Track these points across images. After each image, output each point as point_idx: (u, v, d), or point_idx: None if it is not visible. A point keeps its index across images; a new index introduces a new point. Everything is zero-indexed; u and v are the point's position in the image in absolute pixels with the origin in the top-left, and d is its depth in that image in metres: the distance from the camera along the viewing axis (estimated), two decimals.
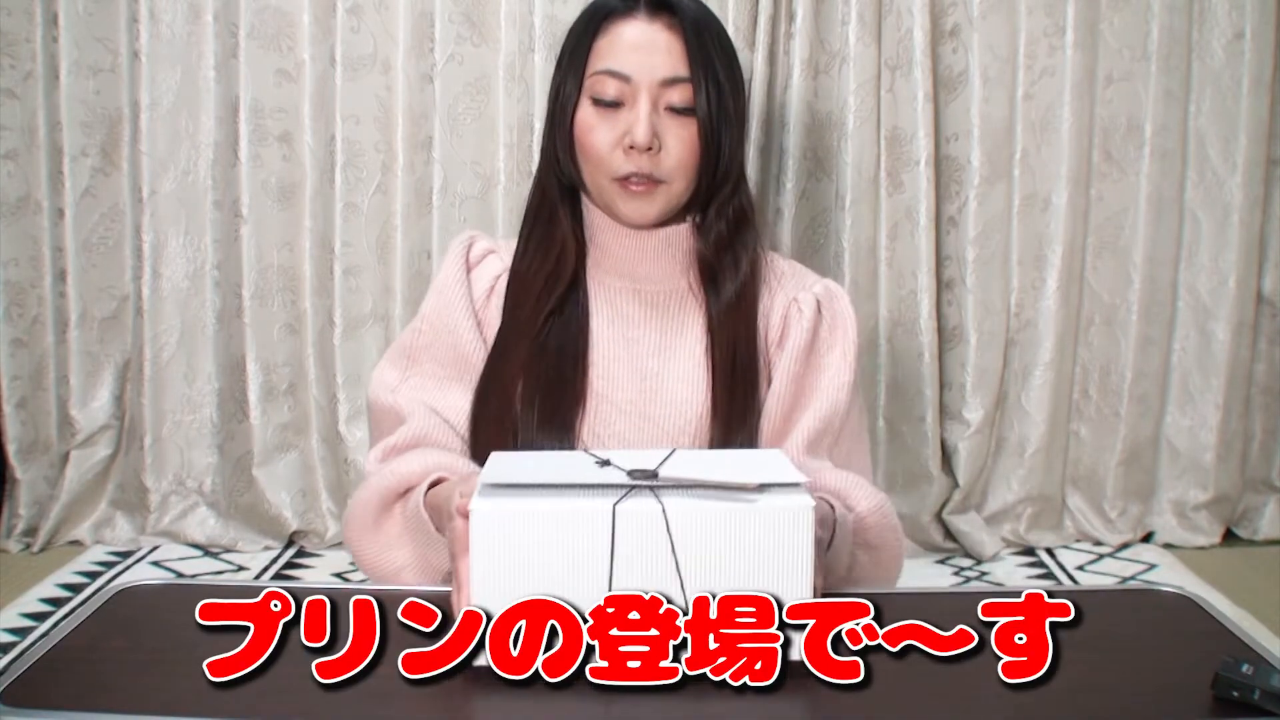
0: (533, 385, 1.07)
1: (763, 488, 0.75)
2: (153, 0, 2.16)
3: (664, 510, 0.72)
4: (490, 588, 0.72)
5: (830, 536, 0.96)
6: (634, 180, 1.08)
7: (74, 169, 2.21)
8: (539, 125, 1.10)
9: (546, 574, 0.72)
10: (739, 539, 0.73)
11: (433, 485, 1.00)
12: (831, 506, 0.99)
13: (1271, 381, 2.45)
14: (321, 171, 2.22)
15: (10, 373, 2.24)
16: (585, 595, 0.72)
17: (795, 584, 0.73)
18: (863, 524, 1.04)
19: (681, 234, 1.14)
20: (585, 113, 1.09)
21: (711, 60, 1.08)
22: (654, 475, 0.77)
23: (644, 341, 1.13)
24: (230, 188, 2.22)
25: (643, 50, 1.07)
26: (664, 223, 1.13)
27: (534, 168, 1.17)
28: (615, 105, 1.08)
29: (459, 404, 1.10)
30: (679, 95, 1.07)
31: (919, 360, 2.29)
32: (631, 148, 1.07)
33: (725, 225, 1.13)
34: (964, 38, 2.23)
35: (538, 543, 0.72)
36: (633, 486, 0.75)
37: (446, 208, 2.22)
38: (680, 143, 1.08)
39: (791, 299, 1.15)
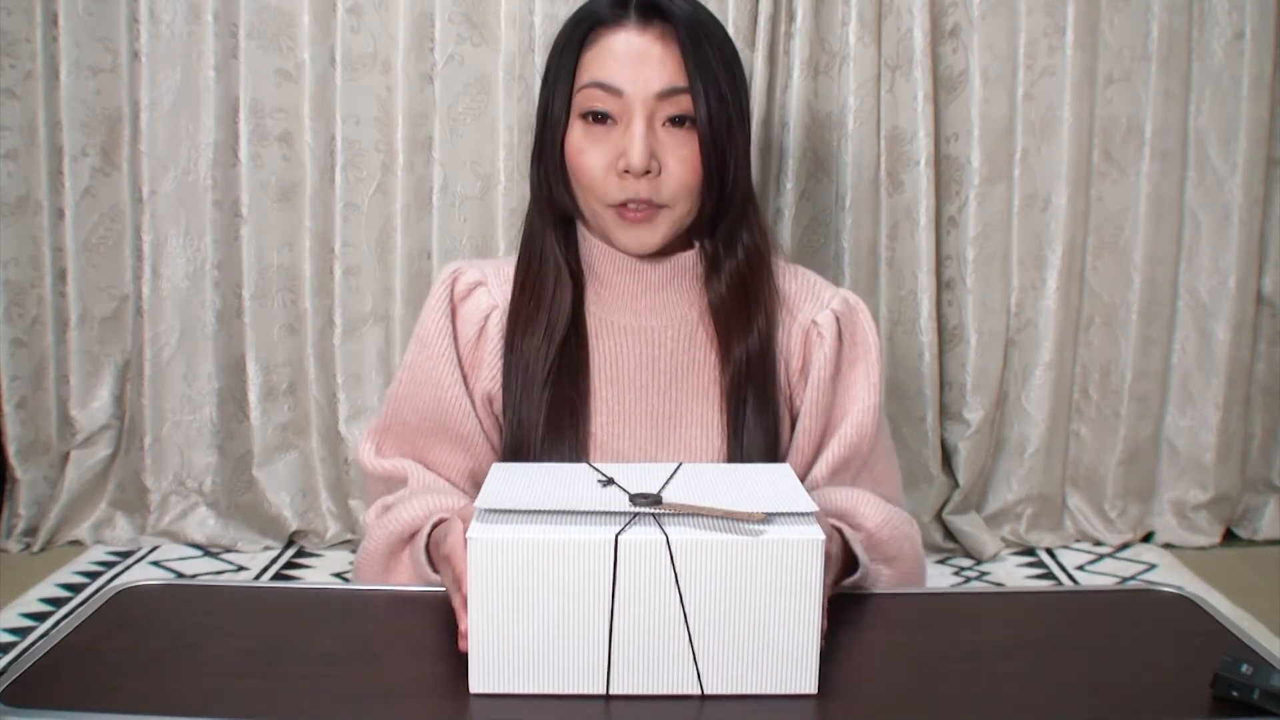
0: (533, 436, 1.02)
1: (771, 517, 0.72)
2: (153, 0, 2.16)
3: (668, 540, 0.70)
4: (489, 616, 0.70)
5: (841, 569, 0.93)
6: (631, 206, 1.00)
7: (74, 169, 2.21)
8: (535, 114, 1.09)
9: (545, 603, 0.70)
10: (745, 571, 0.70)
11: (435, 527, 0.96)
12: (840, 531, 0.95)
13: (1271, 381, 2.45)
14: (321, 171, 2.22)
15: (10, 373, 2.24)
16: (586, 626, 0.70)
17: (803, 617, 0.71)
18: (874, 539, 1.01)
19: (688, 263, 1.07)
20: (575, 133, 1.01)
21: (711, 68, 0.99)
22: (658, 500, 0.74)
23: (652, 385, 1.06)
24: (230, 188, 2.22)
25: (634, 61, 0.98)
26: (668, 250, 1.05)
27: (530, 154, 1.09)
28: (606, 120, 1.00)
29: (445, 459, 1.07)
30: (677, 107, 0.99)
31: (919, 360, 2.29)
32: (626, 172, 0.98)
33: (737, 266, 1.05)
34: (964, 38, 2.23)
35: (537, 571, 0.69)
36: (636, 514, 0.73)
37: (446, 208, 2.22)
38: (681, 163, 0.99)
39: (810, 322, 1.08)
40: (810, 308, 1.08)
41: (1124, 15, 2.25)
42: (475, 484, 1.07)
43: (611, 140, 1.00)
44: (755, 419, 1.04)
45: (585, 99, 1.00)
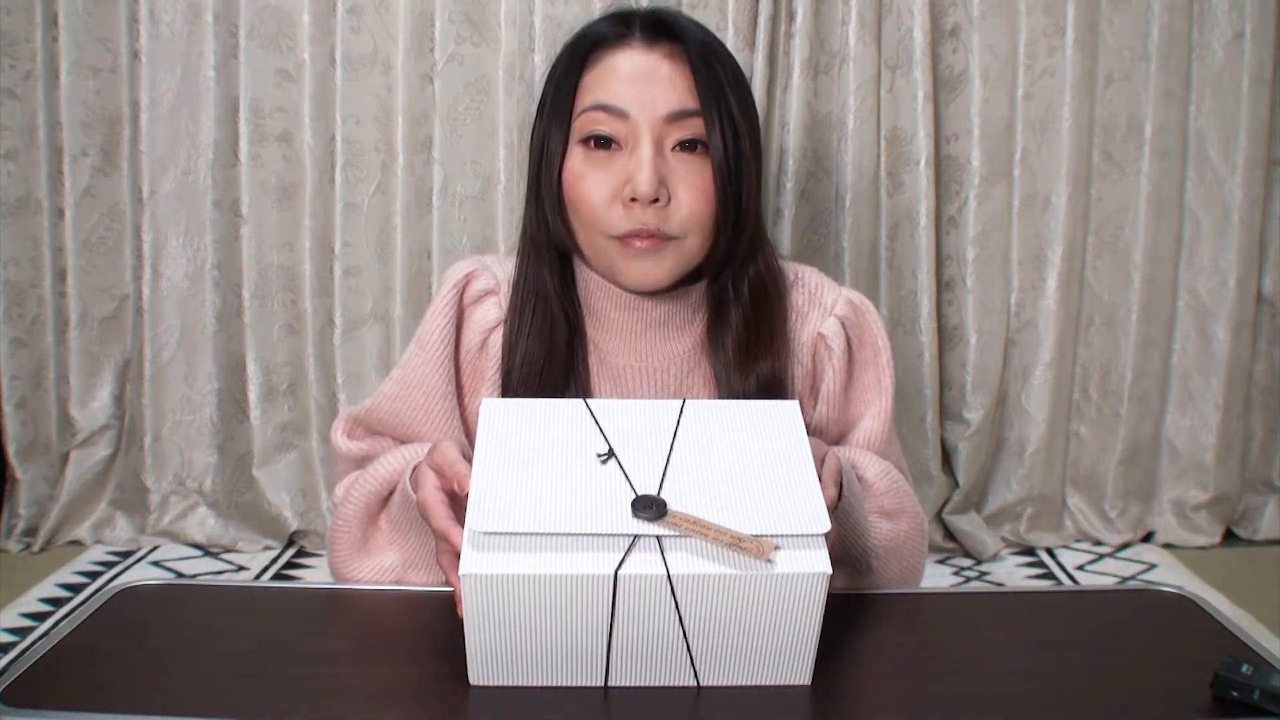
0: None
1: (778, 544, 0.70)
2: (153, 0, 2.16)
3: (669, 574, 0.68)
4: (485, 646, 0.70)
5: (839, 490, 0.89)
6: (638, 235, 0.92)
7: (74, 169, 2.21)
8: (530, 144, 1.03)
9: (542, 630, 0.69)
10: (748, 600, 0.69)
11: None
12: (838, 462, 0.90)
13: (1271, 381, 2.45)
14: (321, 171, 2.22)
15: (10, 373, 2.24)
16: (582, 650, 0.70)
17: (801, 637, 0.71)
18: (872, 490, 0.98)
19: (691, 298, 1.01)
20: (574, 160, 0.94)
21: (724, 91, 0.92)
22: (661, 507, 0.70)
23: None
24: (230, 188, 2.22)
25: (641, 81, 0.92)
26: (671, 285, 0.97)
27: (524, 189, 1.04)
28: (609, 145, 0.93)
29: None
30: (687, 130, 0.92)
31: (919, 360, 2.29)
32: (633, 200, 0.91)
33: (743, 313, 0.99)
34: (964, 38, 2.23)
35: (533, 601, 0.68)
36: (637, 537, 0.70)
37: (446, 208, 2.22)
38: (692, 191, 0.92)
39: (816, 335, 1.03)
40: (814, 318, 1.04)
41: (1124, 15, 2.25)
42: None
43: (615, 167, 0.92)
44: None
45: (586, 123, 0.93)
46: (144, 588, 0.89)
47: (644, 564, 0.68)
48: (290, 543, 2.35)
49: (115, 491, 2.35)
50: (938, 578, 2.24)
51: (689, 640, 0.70)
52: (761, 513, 0.71)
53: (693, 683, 0.72)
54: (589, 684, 0.72)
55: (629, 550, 0.69)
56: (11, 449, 2.27)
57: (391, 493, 0.95)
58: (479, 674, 0.72)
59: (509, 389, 1.00)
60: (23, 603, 2.03)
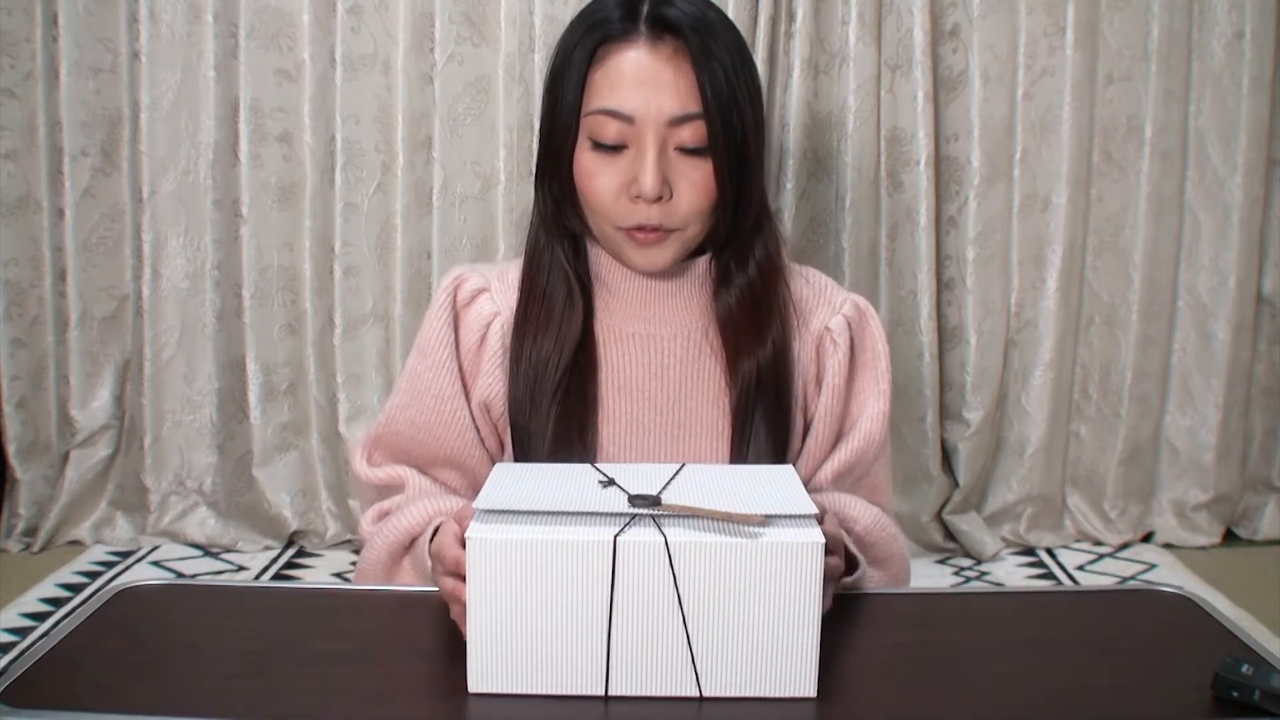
0: (540, 449, 1.01)
1: (770, 519, 0.72)
2: (153, 0, 2.16)
3: (666, 543, 0.70)
4: (487, 615, 0.71)
5: (848, 565, 0.93)
6: (642, 230, 0.99)
7: (74, 169, 2.21)
8: (539, 125, 1.07)
9: (544, 603, 0.70)
10: (744, 574, 0.70)
11: (436, 531, 0.95)
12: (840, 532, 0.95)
13: (1271, 381, 2.45)
14: (321, 171, 2.22)
15: (10, 373, 2.24)
16: (584, 626, 0.71)
17: (802, 620, 0.71)
18: (865, 541, 1.02)
19: (698, 270, 1.05)
20: (584, 156, 0.99)
21: (723, 88, 0.96)
22: (656, 501, 0.74)
23: (661, 394, 1.04)
24: (230, 188, 2.22)
25: (646, 85, 0.96)
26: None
27: (534, 168, 1.07)
28: (617, 149, 0.98)
29: (438, 471, 1.07)
30: (690, 134, 0.96)
31: (919, 360, 2.29)
32: (638, 197, 0.97)
33: (749, 281, 1.04)
34: (964, 38, 2.23)
35: (535, 572, 0.69)
36: (635, 515, 0.73)
37: (446, 208, 2.22)
38: (693, 186, 0.98)
39: (823, 328, 1.07)
40: (823, 313, 1.07)
41: (1124, 15, 2.25)
42: (469, 493, 1.06)
43: (621, 165, 0.98)
44: (765, 430, 1.02)
45: (594, 124, 0.98)
46: (144, 588, 0.89)
47: (642, 534, 0.70)
48: (290, 543, 2.35)
49: (115, 491, 2.35)
50: (938, 578, 2.24)
51: (686, 619, 0.71)
52: (753, 504, 0.74)
53: (694, 691, 0.72)
54: (590, 683, 0.72)
55: (628, 525, 0.71)
56: (11, 449, 2.27)
57: (414, 540, 0.99)
58: (479, 675, 0.72)
59: (520, 357, 1.03)
60: (23, 603, 2.03)
